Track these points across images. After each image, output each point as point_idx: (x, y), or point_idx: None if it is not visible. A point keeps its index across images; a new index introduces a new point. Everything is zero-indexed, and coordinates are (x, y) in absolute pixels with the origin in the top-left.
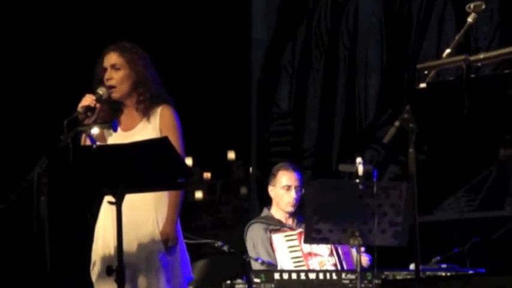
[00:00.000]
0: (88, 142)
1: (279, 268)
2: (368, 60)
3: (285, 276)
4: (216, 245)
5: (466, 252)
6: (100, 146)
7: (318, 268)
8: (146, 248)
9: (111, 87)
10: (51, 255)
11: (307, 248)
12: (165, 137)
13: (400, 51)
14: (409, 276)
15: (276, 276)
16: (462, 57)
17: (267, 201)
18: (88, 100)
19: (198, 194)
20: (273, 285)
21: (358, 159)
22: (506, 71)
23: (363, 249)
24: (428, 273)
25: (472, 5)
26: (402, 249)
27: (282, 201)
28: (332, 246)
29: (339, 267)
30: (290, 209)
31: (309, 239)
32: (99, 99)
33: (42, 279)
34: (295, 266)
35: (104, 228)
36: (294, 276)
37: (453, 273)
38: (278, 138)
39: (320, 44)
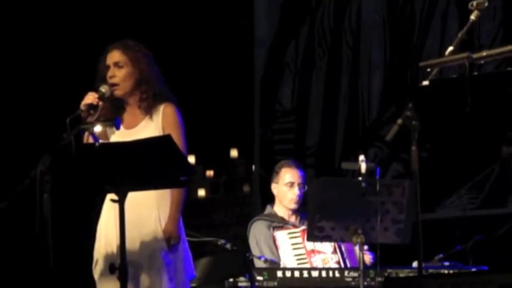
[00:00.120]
0: (91, 140)
1: (282, 265)
2: (371, 58)
3: (288, 274)
4: (219, 243)
5: (468, 250)
6: (103, 144)
7: (321, 265)
8: (148, 246)
9: (114, 85)
10: (53, 253)
11: (310, 245)
12: (168, 135)
13: (403, 49)
14: (411, 274)
15: (279, 274)
16: (465, 54)
17: (270, 199)
18: (91, 98)
19: (201, 192)
20: (275, 283)
21: (361, 157)
22: (509, 69)
23: (366, 247)
24: (431, 270)
25: (474, 3)
26: (405, 247)
27: (285, 199)
28: (335, 243)
29: (342, 265)
30: (293, 206)
31: (312, 236)
32: (101, 97)
33: (45, 277)
34: (298, 264)
35: (107, 226)
36: (296, 274)
37: (456, 271)
38: (281, 136)
39: (323, 42)
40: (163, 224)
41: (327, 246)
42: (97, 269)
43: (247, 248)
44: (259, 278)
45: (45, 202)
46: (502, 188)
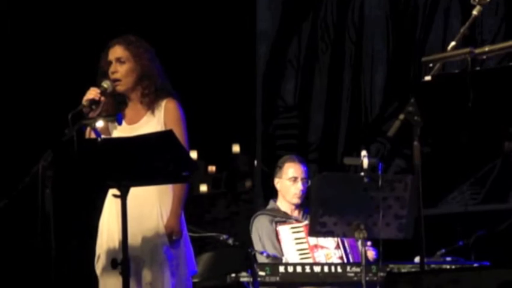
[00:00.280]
0: (93, 135)
1: (284, 260)
2: (374, 54)
3: (290, 269)
4: (221, 238)
5: (470, 245)
6: (105, 139)
7: (323, 261)
8: (150, 241)
9: (116, 80)
10: (55, 248)
11: (313, 240)
12: (170, 130)
13: (406, 44)
14: (414, 269)
15: (281, 269)
16: (467, 49)
17: (272, 194)
18: (93, 93)
19: (203, 187)
20: (277, 278)
21: (363, 153)
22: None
23: (369, 243)
24: (433, 266)
25: None
26: (407, 242)
27: (288, 193)
28: (338, 239)
29: (345, 260)
30: (296, 200)
31: (314, 232)
32: (103, 92)
33: (47, 272)
34: (301, 258)
35: (109, 222)
36: (298, 269)
37: (458, 266)
38: (283, 132)
39: (326, 37)
40: (165, 219)
41: (330, 242)
42: (99, 265)
43: (249, 243)
44: (261, 273)
45: (47, 197)
46: (504, 183)
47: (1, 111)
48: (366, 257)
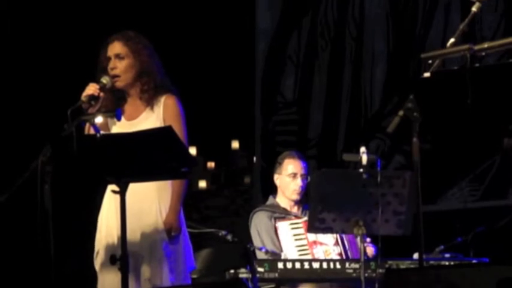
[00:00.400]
0: (92, 131)
1: (283, 256)
2: (374, 50)
3: (289, 265)
4: (220, 234)
5: (469, 242)
6: (104, 135)
7: (322, 257)
8: (149, 237)
9: (115, 76)
10: (54, 244)
11: (312, 236)
12: (169, 126)
13: (406, 41)
14: (412, 266)
15: (280, 265)
16: (466, 46)
17: (271, 191)
18: (92, 89)
19: (202, 183)
20: (276, 275)
21: (362, 149)
22: (511, 61)
23: (368, 239)
24: (432, 262)
25: None
26: (406, 239)
27: (287, 189)
28: (337, 235)
29: (344, 257)
30: (296, 197)
31: (313, 228)
32: (103, 88)
33: (46, 268)
34: (300, 255)
35: (108, 218)
36: (297, 265)
37: (457, 263)
38: (282, 128)
39: (326, 34)
40: (164, 215)
41: (329, 238)
42: (98, 260)
43: (248, 239)
44: (260, 269)
45: (46, 193)
46: (503, 179)
47: (0, 106)
48: (365, 253)
